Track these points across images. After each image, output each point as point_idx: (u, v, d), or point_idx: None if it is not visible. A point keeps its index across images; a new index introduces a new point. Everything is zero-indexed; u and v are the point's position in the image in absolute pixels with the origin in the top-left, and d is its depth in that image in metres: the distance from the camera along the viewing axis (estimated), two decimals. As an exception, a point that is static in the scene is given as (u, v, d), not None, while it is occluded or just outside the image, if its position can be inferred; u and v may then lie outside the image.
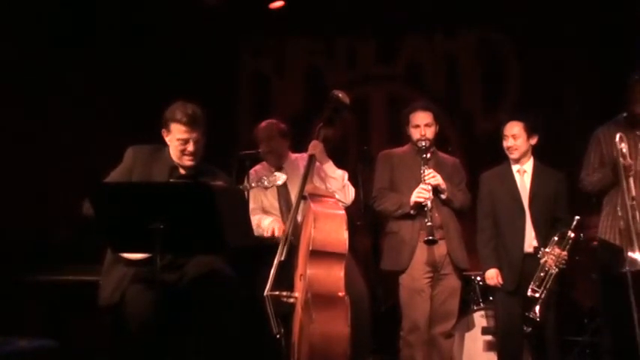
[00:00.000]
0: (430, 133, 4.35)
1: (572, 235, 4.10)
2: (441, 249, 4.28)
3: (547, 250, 4.13)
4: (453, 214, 4.36)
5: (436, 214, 4.24)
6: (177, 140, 3.51)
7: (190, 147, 3.52)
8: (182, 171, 3.59)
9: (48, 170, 5.07)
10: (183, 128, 3.50)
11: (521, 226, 4.25)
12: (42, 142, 5.11)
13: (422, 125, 4.34)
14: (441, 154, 4.53)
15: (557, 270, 4.10)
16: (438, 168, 4.35)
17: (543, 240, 4.20)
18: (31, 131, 5.06)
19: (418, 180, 4.28)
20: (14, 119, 4.98)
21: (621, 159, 3.84)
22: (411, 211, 4.27)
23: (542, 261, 4.13)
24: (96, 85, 5.40)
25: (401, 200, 4.31)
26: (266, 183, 3.82)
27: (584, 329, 4.98)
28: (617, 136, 3.88)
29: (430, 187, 4.22)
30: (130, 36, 5.59)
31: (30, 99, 5.08)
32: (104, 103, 5.42)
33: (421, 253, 4.27)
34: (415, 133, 4.36)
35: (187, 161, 3.55)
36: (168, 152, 3.59)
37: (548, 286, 4.09)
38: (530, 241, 4.23)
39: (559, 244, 4.12)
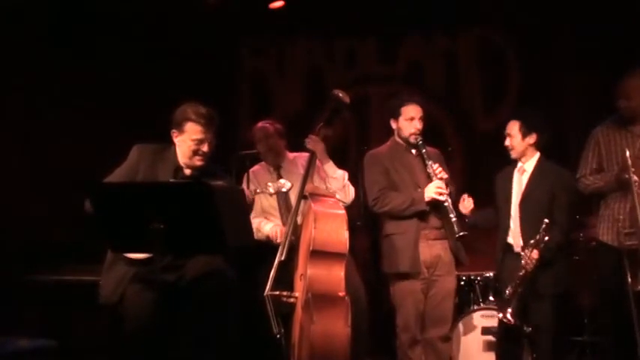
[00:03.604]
0: (421, 126, 4.25)
1: (546, 238, 4.02)
2: (434, 249, 4.21)
3: (523, 252, 4.08)
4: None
5: (437, 215, 4.22)
6: (192, 140, 3.50)
7: (205, 147, 3.52)
8: (187, 172, 3.59)
9: (48, 170, 5.07)
10: (199, 128, 3.50)
11: (508, 224, 4.24)
12: (42, 142, 5.11)
13: (416, 118, 4.23)
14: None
15: (525, 272, 4.04)
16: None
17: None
18: (31, 131, 5.07)
19: (416, 178, 4.22)
20: (14, 119, 4.98)
21: (633, 176, 3.82)
22: (426, 208, 4.15)
23: (521, 263, 4.08)
24: (96, 85, 5.40)
25: (410, 197, 4.16)
26: (271, 190, 3.84)
27: (584, 329, 4.98)
28: (627, 152, 3.87)
29: (444, 183, 4.13)
30: (129, 36, 5.58)
31: (30, 99, 5.08)
32: (104, 102, 5.42)
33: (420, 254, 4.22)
34: (409, 127, 4.24)
35: (198, 162, 3.54)
36: (174, 152, 3.58)
37: (519, 288, 4.05)
38: (518, 241, 4.19)
39: (535, 245, 4.06)
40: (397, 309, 4.26)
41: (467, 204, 4.19)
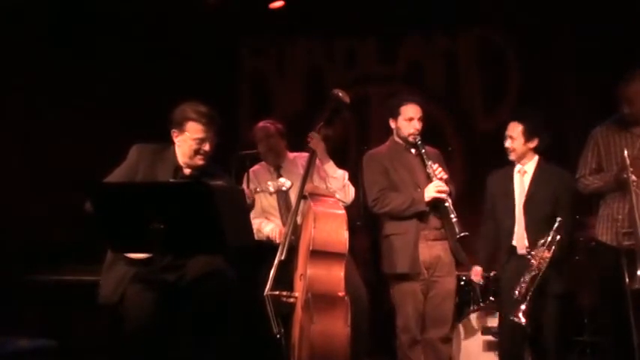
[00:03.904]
0: (420, 126, 4.23)
1: (558, 237, 4.02)
2: (434, 250, 4.19)
3: (533, 252, 4.08)
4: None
5: (437, 215, 4.19)
6: (193, 140, 3.50)
7: (206, 147, 3.52)
8: (186, 171, 3.58)
9: (48, 170, 5.07)
10: (201, 127, 3.50)
11: (512, 226, 4.22)
12: (42, 142, 5.11)
13: (415, 118, 4.21)
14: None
15: (537, 272, 4.03)
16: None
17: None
18: (31, 131, 5.07)
19: (415, 178, 4.20)
20: (14, 119, 4.98)
21: (632, 175, 3.82)
22: (426, 208, 4.14)
23: (530, 262, 4.07)
24: (96, 85, 5.40)
25: (410, 197, 4.14)
26: (271, 188, 3.83)
27: (584, 329, 4.98)
28: (625, 152, 3.87)
29: (444, 183, 4.12)
30: (129, 36, 5.59)
31: (30, 99, 5.08)
32: (104, 102, 5.43)
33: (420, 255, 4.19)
34: (408, 127, 4.22)
35: (199, 161, 3.54)
36: (173, 152, 3.58)
37: (531, 288, 4.02)
38: (523, 243, 4.17)
39: (544, 245, 4.05)
40: (397, 310, 4.25)
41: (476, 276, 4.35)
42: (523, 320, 4.00)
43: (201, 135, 3.51)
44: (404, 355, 4.20)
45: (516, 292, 4.05)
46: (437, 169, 4.16)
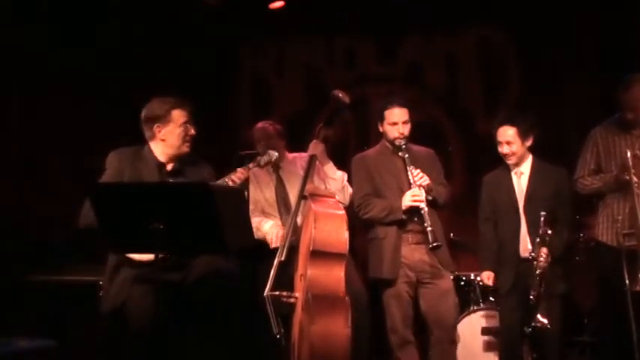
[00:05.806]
0: (407, 130, 4.17)
1: (548, 230, 4.01)
2: (417, 253, 4.14)
3: (533, 253, 4.05)
4: (435, 214, 4.18)
5: (419, 219, 4.11)
6: (181, 126, 3.58)
7: (192, 130, 3.61)
8: (169, 167, 3.62)
9: (48, 170, 5.07)
10: (184, 112, 3.60)
11: (516, 229, 4.19)
12: (42, 142, 5.11)
13: (400, 123, 4.16)
14: (414, 147, 4.29)
15: (542, 270, 4.02)
16: (416, 164, 4.16)
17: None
18: (31, 131, 5.07)
19: (400, 182, 4.16)
20: (14, 118, 4.98)
21: (633, 176, 3.81)
22: (403, 216, 4.12)
23: (534, 264, 4.05)
24: (95, 85, 5.40)
25: (390, 205, 4.13)
26: (262, 162, 4.02)
27: (584, 329, 4.98)
28: (628, 153, 3.87)
29: (423, 190, 4.08)
30: (129, 36, 5.59)
31: (29, 98, 5.08)
32: (104, 103, 5.43)
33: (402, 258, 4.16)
34: (392, 132, 4.17)
35: (187, 148, 3.62)
36: (150, 151, 3.61)
37: (541, 288, 4.02)
38: (525, 245, 4.15)
39: (541, 243, 4.05)
40: (386, 311, 4.23)
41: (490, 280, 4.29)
42: (546, 321, 3.98)
43: (186, 119, 3.59)
44: (395, 355, 4.20)
45: (532, 297, 4.02)
46: (417, 175, 4.10)
